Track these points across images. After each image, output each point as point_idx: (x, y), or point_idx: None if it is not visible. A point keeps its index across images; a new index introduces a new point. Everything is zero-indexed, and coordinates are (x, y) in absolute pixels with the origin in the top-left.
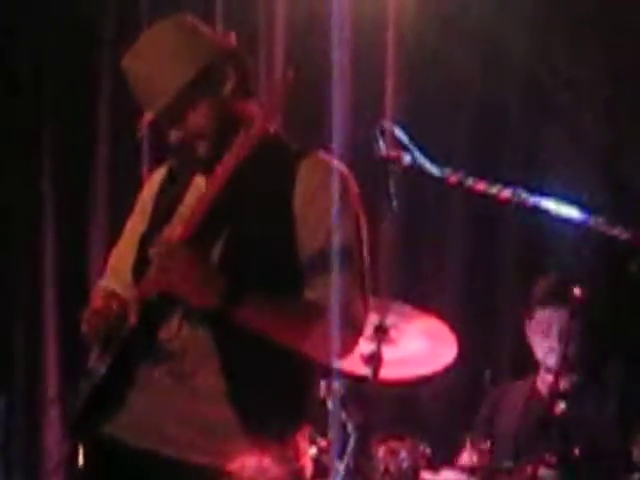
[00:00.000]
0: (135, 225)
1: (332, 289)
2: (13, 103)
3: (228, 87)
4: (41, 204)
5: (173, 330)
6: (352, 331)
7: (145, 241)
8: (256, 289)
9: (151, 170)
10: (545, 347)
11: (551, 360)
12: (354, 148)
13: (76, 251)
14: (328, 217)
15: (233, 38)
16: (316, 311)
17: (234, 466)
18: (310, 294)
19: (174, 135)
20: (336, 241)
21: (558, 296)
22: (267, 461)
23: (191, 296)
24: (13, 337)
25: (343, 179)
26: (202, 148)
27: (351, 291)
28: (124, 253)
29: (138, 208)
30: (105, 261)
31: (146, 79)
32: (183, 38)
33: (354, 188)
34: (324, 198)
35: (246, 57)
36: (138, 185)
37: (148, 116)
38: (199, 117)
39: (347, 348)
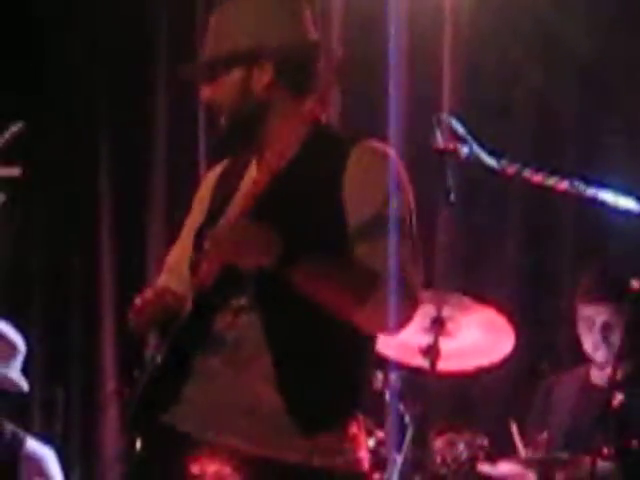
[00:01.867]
0: (193, 222)
1: (386, 260)
2: (71, 103)
3: (264, 77)
4: (99, 203)
5: (228, 319)
6: (409, 301)
7: (201, 235)
8: (311, 256)
9: (209, 168)
10: (590, 342)
11: (598, 355)
12: (411, 140)
13: (133, 248)
14: (378, 193)
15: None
16: (372, 279)
17: (194, 470)
18: (364, 265)
19: (204, 91)
20: (388, 214)
21: (600, 292)
22: (227, 470)
23: (249, 259)
24: (71, 331)
25: (393, 163)
26: (221, 119)
27: (405, 262)
28: (182, 249)
29: (196, 205)
30: (163, 258)
31: (210, 30)
32: (261, 10)
33: (403, 172)
34: (374, 178)
35: (315, 58)
36: (195, 182)
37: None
38: (225, 86)
39: (405, 318)
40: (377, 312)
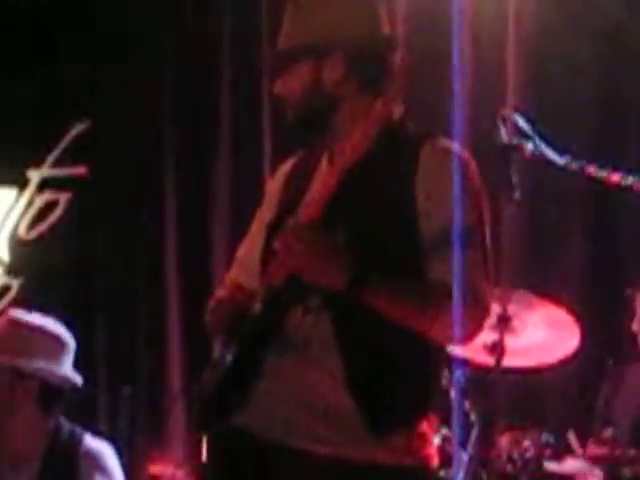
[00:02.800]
0: (263, 217)
1: (457, 269)
2: (135, 102)
3: (335, 72)
4: (163, 200)
5: (298, 319)
6: (479, 311)
7: (272, 230)
8: (381, 271)
9: (273, 163)
10: None
11: None
12: (476, 137)
13: (198, 244)
14: (450, 199)
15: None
16: (443, 291)
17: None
18: (434, 275)
19: (276, 85)
20: (459, 221)
21: None
22: (181, 474)
23: (317, 276)
24: (137, 329)
25: (465, 163)
26: (289, 114)
27: (476, 271)
28: (252, 244)
29: (266, 200)
30: (227, 255)
31: (283, 22)
32: (334, 2)
33: (476, 172)
34: (446, 181)
35: (389, 53)
36: (260, 177)
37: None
38: (295, 79)
39: (476, 328)
40: (448, 325)
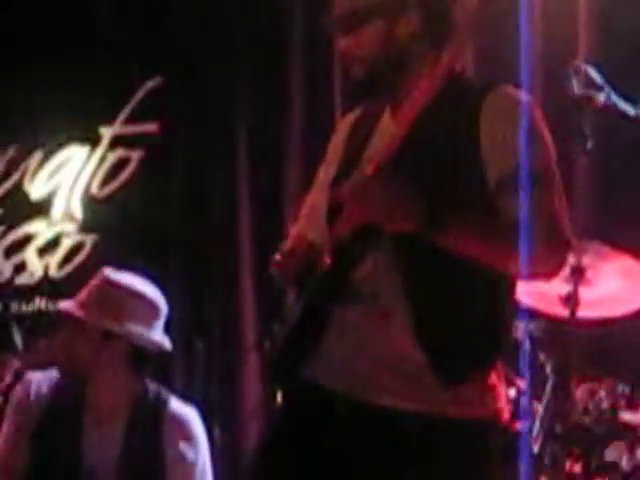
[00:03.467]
0: (327, 171)
1: (532, 210)
2: (207, 58)
3: (409, 28)
4: (235, 157)
5: (366, 271)
6: (561, 246)
7: (336, 185)
8: (454, 211)
9: (344, 112)
10: None
11: None
12: (548, 89)
13: (271, 200)
14: (516, 144)
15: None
16: (517, 229)
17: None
18: (507, 216)
19: (342, 42)
20: (530, 162)
21: None
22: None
23: (389, 222)
24: (210, 285)
25: (530, 109)
26: (357, 70)
27: (554, 209)
28: (316, 199)
29: (329, 155)
30: (299, 210)
31: None
32: None
33: (541, 118)
34: (512, 126)
35: (455, 9)
36: (331, 133)
37: (334, 13)
38: (367, 36)
39: (559, 263)
40: (528, 262)
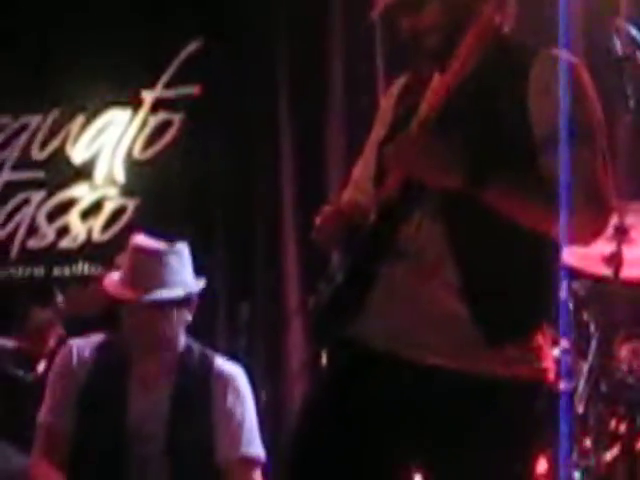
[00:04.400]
0: (376, 136)
1: (576, 170)
2: (248, 21)
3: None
4: (277, 120)
5: (412, 229)
6: (603, 209)
7: (385, 145)
8: (498, 172)
9: (387, 82)
10: None
11: None
12: (590, 48)
13: (314, 163)
14: (565, 103)
15: None
16: (561, 190)
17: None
18: (550, 175)
19: (407, 23)
20: (576, 124)
21: None
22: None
23: (433, 178)
24: (254, 246)
25: (577, 70)
26: (432, 40)
27: (596, 170)
28: (365, 164)
29: (379, 119)
30: (343, 174)
31: None
32: None
33: (588, 78)
34: (558, 87)
35: None
36: (373, 95)
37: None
38: (432, 10)
39: (600, 226)
40: (571, 224)
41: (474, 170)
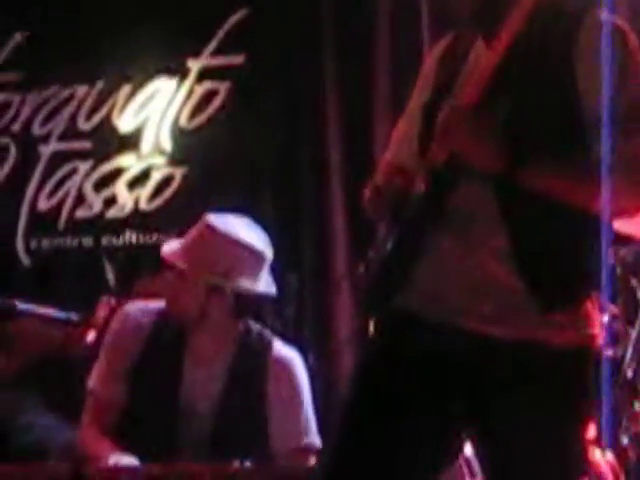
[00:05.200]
0: (419, 97)
1: (625, 144)
2: None
3: None
4: (322, 85)
5: (460, 197)
6: None
7: (428, 110)
8: (543, 151)
9: (432, 40)
10: None
11: None
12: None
13: (360, 130)
14: (614, 71)
15: None
16: (611, 169)
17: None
18: (598, 150)
19: None
20: (626, 94)
21: None
22: None
23: (477, 158)
24: (301, 216)
25: (625, 35)
26: (476, 3)
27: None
28: (408, 124)
29: (421, 80)
30: (390, 135)
31: None
32: None
33: (637, 44)
34: (610, 54)
35: None
36: (419, 56)
37: None
38: None
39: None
40: (619, 204)
41: (514, 153)
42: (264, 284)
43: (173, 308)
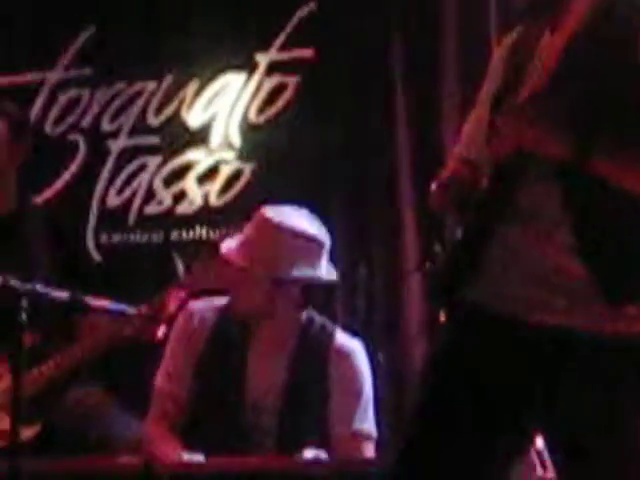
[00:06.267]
0: (487, 90)
1: None
2: None
3: None
4: (391, 81)
5: (527, 189)
6: None
7: (497, 103)
8: (612, 138)
9: (499, 34)
10: None
11: None
12: None
13: (429, 126)
14: None
15: None
16: None
17: None
18: None
19: None
20: None
21: None
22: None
23: (543, 148)
24: (371, 209)
25: None
26: None
27: None
28: (477, 119)
29: (490, 73)
30: (459, 129)
31: None
32: None
33: None
34: None
35: None
36: (487, 48)
37: None
38: None
39: None
40: None
41: (581, 143)
42: (326, 271)
43: (239, 306)
